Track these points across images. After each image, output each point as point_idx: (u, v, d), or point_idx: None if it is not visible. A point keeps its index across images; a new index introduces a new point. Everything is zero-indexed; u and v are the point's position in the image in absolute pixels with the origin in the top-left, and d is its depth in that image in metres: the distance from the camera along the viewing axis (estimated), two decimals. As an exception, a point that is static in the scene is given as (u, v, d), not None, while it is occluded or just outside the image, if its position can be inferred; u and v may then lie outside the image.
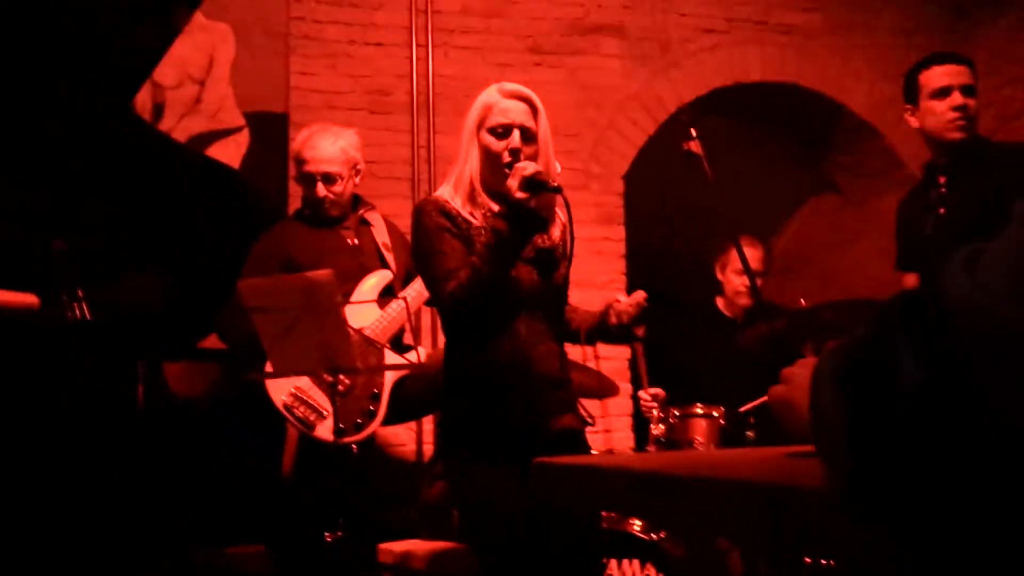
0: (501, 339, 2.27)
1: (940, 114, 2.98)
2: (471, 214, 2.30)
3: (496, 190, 2.31)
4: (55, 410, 2.56)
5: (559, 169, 2.70)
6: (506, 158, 2.27)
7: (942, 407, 0.66)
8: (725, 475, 1.13)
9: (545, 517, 2.22)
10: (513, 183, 2.14)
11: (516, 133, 2.28)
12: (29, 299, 2.37)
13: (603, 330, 2.42)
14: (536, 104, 2.33)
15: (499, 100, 2.32)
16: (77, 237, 2.72)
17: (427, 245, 2.28)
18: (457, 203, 2.31)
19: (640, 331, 2.39)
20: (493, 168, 2.30)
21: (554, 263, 2.39)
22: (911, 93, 3.11)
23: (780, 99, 5.26)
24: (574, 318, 2.50)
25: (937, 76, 3.02)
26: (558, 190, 2.18)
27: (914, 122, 3.11)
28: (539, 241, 2.35)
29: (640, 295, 2.36)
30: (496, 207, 2.29)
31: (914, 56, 5.23)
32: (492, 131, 2.30)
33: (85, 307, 2.60)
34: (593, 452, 2.86)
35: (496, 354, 2.27)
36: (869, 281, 5.21)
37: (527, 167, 2.17)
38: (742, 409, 3.28)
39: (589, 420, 2.63)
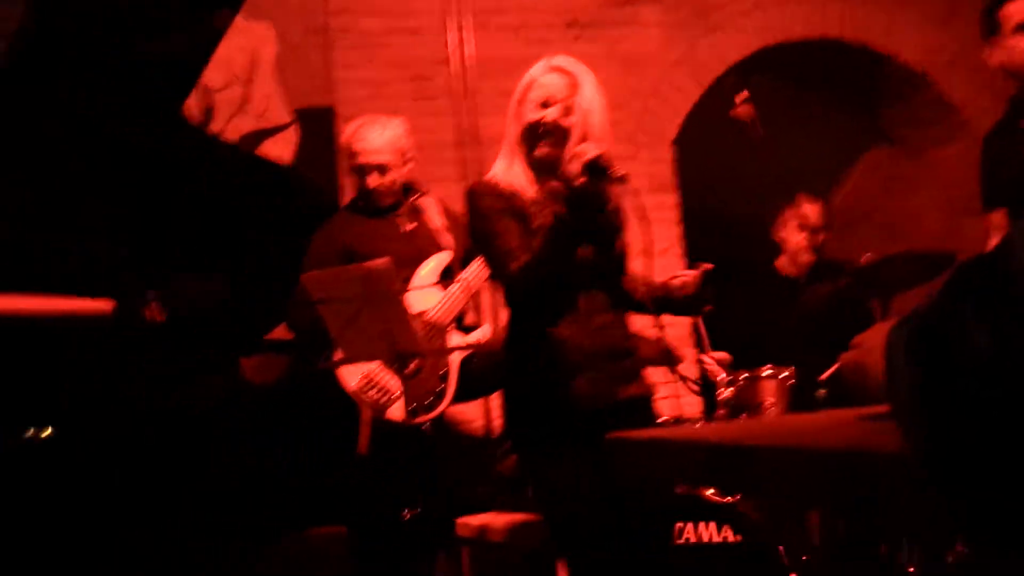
0: (563, 314, 2.28)
1: None
2: (523, 188, 2.31)
3: (536, 163, 2.32)
4: (138, 410, 2.64)
5: None
6: (541, 130, 2.30)
7: (1010, 373, 0.66)
8: (799, 443, 1.12)
9: (617, 490, 2.23)
10: (575, 168, 2.14)
11: (554, 106, 2.29)
12: (103, 305, 2.43)
13: (669, 301, 2.42)
14: (579, 78, 2.32)
15: (541, 75, 2.34)
16: (143, 241, 2.79)
17: (484, 227, 2.31)
18: (509, 180, 2.32)
19: (707, 304, 2.38)
20: (532, 141, 2.31)
21: (611, 234, 2.39)
22: (990, 28, 3.01)
23: (826, 55, 5.16)
24: (637, 288, 2.50)
25: (1020, 10, 2.93)
26: (622, 180, 2.15)
27: (994, 58, 3.01)
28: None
29: (702, 268, 2.35)
30: (534, 177, 2.29)
31: (961, 0, 5.13)
32: (531, 105, 2.32)
33: (157, 309, 2.67)
34: (661, 419, 2.86)
35: (558, 329, 2.28)
36: (929, 232, 5.12)
37: (588, 151, 2.16)
38: (821, 377, 3.23)
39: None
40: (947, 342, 0.71)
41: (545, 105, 2.30)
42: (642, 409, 2.39)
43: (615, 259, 2.40)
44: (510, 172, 2.34)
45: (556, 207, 2.19)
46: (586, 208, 2.18)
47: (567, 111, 2.30)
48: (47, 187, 2.76)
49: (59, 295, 2.40)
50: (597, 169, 2.14)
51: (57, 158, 2.72)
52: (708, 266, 2.34)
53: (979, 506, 0.71)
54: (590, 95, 2.33)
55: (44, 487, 2.43)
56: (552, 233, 2.18)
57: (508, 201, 2.30)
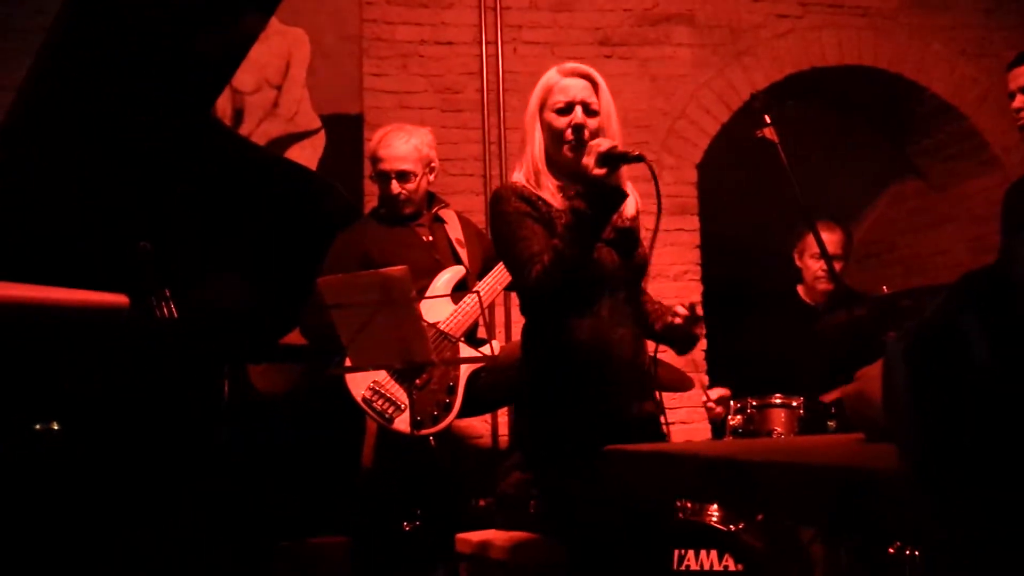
0: (583, 321, 2.26)
1: None
2: (550, 196, 2.30)
3: (562, 169, 2.32)
4: (143, 406, 2.66)
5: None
6: (569, 135, 2.29)
7: (1011, 385, 0.66)
8: (797, 459, 1.12)
9: (618, 504, 2.21)
10: (590, 160, 2.13)
11: (578, 109, 2.29)
12: (119, 299, 2.46)
13: (667, 333, 2.41)
14: (596, 80, 2.34)
15: (559, 80, 2.34)
16: (162, 238, 2.82)
17: (508, 231, 2.28)
18: (535, 185, 2.32)
19: (699, 330, 2.38)
20: (557, 147, 2.31)
21: (633, 242, 2.38)
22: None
23: (857, 83, 5.14)
24: (652, 311, 2.49)
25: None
26: (640, 158, 2.12)
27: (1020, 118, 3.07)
28: (616, 221, 2.33)
29: (686, 307, 2.34)
30: (558, 184, 2.30)
31: (995, 35, 5.10)
32: (555, 110, 2.32)
33: (172, 307, 2.70)
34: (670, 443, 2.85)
35: (576, 337, 2.26)
36: (953, 267, 5.06)
37: (601, 143, 2.15)
38: (826, 399, 3.21)
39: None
40: (947, 353, 0.71)
41: (569, 109, 2.31)
42: (653, 427, 2.38)
43: (636, 267, 2.38)
44: (534, 178, 2.33)
45: (575, 202, 2.17)
46: (605, 199, 2.15)
47: (592, 113, 2.30)
48: (73, 182, 2.80)
49: (76, 287, 2.44)
50: (612, 158, 2.13)
51: (84, 154, 2.76)
52: (698, 309, 2.34)
53: (976, 516, 0.70)
54: (607, 97, 2.35)
55: (48, 482, 2.46)
56: (571, 229, 2.15)
57: (533, 205, 2.29)
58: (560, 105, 2.31)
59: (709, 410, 3.37)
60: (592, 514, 2.21)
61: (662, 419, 2.45)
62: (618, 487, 1.77)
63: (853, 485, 0.90)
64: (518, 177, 2.37)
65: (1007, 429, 0.67)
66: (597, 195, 2.14)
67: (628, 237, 2.37)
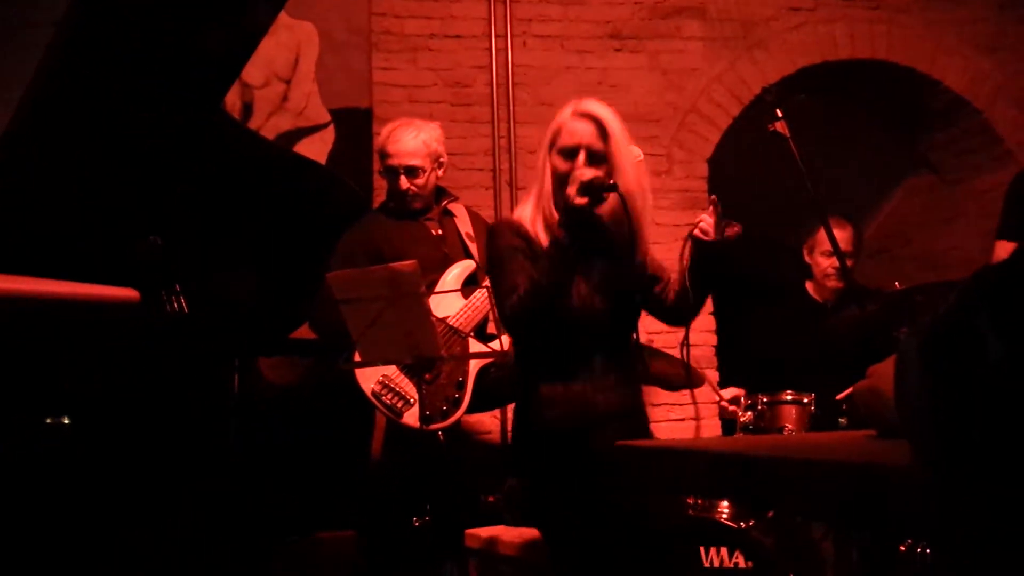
0: (570, 370, 2.28)
1: None
2: (544, 234, 2.30)
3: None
4: (152, 400, 2.66)
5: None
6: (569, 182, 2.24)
7: (1022, 379, 0.65)
8: (808, 455, 1.11)
9: (597, 501, 2.21)
10: (572, 190, 2.15)
11: (582, 154, 2.27)
12: (129, 293, 2.46)
13: (703, 257, 2.33)
14: (607, 124, 2.28)
15: (568, 121, 2.31)
16: (172, 233, 2.82)
17: (498, 264, 2.31)
18: (536, 226, 2.33)
19: (733, 230, 2.32)
20: (559, 188, 2.28)
21: (632, 285, 2.36)
22: None
23: (870, 77, 5.10)
24: (667, 285, 2.44)
25: None
26: (613, 187, 2.15)
27: None
28: (608, 269, 2.33)
29: (712, 202, 2.30)
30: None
31: (1009, 29, 5.05)
32: (561, 152, 2.30)
33: (183, 301, 2.70)
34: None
35: (563, 385, 2.28)
36: (966, 262, 5.02)
37: (584, 172, 2.17)
38: (838, 397, 3.20)
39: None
40: (961, 349, 0.71)
41: (574, 153, 2.28)
42: (635, 425, 2.38)
43: (631, 315, 2.38)
44: (536, 217, 2.33)
45: (556, 232, 2.19)
46: (583, 228, 2.17)
47: (598, 159, 2.26)
48: (84, 176, 2.80)
49: (86, 282, 2.43)
50: (593, 188, 2.14)
51: (94, 148, 2.76)
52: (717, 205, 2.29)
53: (988, 512, 0.70)
54: (619, 140, 2.28)
55: (56, 476, 2.47)
56: (549, 258, 2.18)
57: (527, 242, 2.30)
58: (566, 147, 2.29)
59: (723, 410, 3.36)
60: (569, 511, 2.22)
61: (675, 419, 2.44)
62: (628, 485, 1.76)
63: (865, 481, 0.89)
64: (524, 211, 2.38)
65: (1020, 425, 0.66)
66: (576, 224, 2.15)
67: (627, 281, 2.34)
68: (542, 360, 2.32)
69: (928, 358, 0.77)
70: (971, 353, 0.71)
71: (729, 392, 3.41)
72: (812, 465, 1.01)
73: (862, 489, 0.89)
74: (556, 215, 2.28)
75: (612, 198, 2.21)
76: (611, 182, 2.17)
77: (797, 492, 1.04)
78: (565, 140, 2.30)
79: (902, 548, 2.65)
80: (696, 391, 4.01)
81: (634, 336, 2.43)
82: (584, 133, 2.28)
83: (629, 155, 2.31)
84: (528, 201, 2.39)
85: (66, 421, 2.49)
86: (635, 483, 1.62)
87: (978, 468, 0.71)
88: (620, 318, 2.36)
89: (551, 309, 2.20)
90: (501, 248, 2.31)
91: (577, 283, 2.27)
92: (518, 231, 2.32)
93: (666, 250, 4.58)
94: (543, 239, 2.30)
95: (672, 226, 4.51)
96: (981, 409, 0.70)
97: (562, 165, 2.29)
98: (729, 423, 3.45)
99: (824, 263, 3.72)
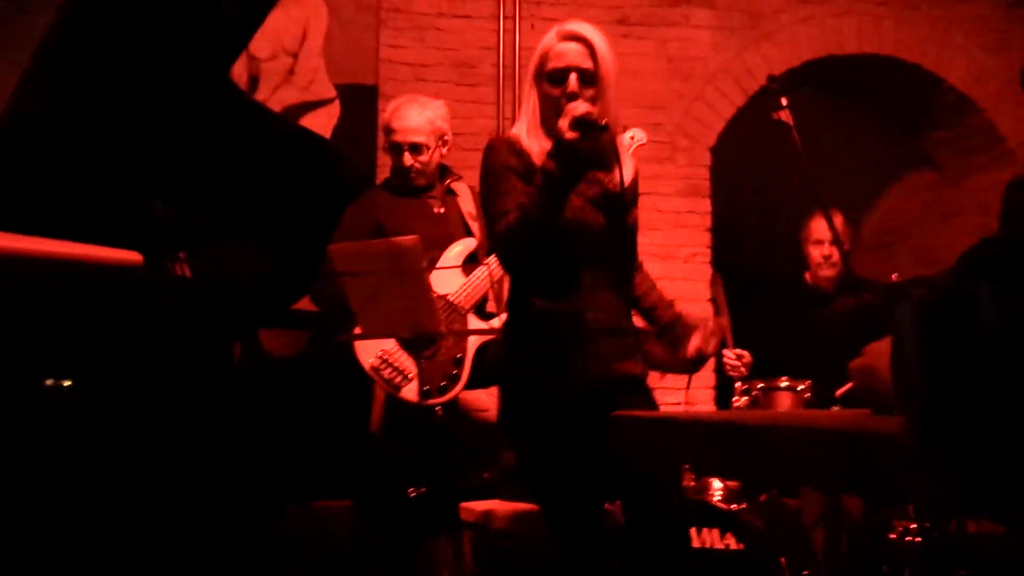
0: (562, 286, 2.24)
1: None
2: (538, 155, 2.23)
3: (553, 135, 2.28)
4: (155, 368, 2.67)
5: (644, 138, 2.66)
6: (563, 103, 2.19)
7: (1020, 348, 0.66)
8: (802, 424, 1.13)
9: (590, 467, 2.20)
10: (564, 123, 2.10)
11: (572, 76, 2.21)
12: (132, 256, 2.47)
13: (672, 344, 2.39)
14: (594, 43, 2.23)
15: (555, 44, 2.25)
16: (176, 201, 2.82)
17: (490, 184, 2.25)
18: (528, 142, 2.27)
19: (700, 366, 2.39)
20: (551, 115, 2.23)
21: (622, 208, 2.32)
22: None
23: (876, 72, 5.11)
24: (651, 300, 2.47)
25: None
26: (604, 128, 2.10)
27: None
28: (607, 184, 2.30)
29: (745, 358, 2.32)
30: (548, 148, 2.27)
31: (1016, 29, 5.06)
32: (549, 77, 2.25)
33: (186, 268, 2.70)
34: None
35: (555, 302, 2.24)
36: (965, 259, 5.04)
37: (578, 107, 2.11)
38: (837, 394, 3.21)
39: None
40: (957, 316, 0.72)
41: (563, 76, 2.23)
42: (639, 388, 2.35)
43: (625, 234, 2.34)
44: (529, 138, 2.29)
45: (546, 163, 2.13)
46: (574, 162, 2.12)
47: (588, 80, 2.22)
48: (89, 140, 2.80)
49: (90, 243, 2.44)
50: (585, 124, 2.09)
51: (99, 113, 2.76)
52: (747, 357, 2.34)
53: (981, 478, 0.71)
54: (608, 61, 2.24)
55: (58, 439, 2.48)
56: (539, 189, 2.12)
57: (523, 160, 2.24)
58: (555, 71, 2.23)
59: (730, 368, 3.34)
60: (575, 483, 2.21)
61: (648, 379, 2.42)
62: (623, 454, 1.77)
63: (859, 447, 0.91)
64: (517, 130, 2.34)
65: (1015, 392, 0.67)
66: (566, 157, 2.10)
67: (617, 201, 2.31)
68: (532, 275, 2.27)
69: (924, 324, 0.78)
70: (968, 320, 0.72)
71: (739, 351, 3.38)
72: (807, 431, 1.03)
73: (856, 455, 0.91)
74: (547, 143, 2.23)
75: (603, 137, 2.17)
76: (603, 123, 2.11)
77: (794, 460, 1.06)
78: (554, 63, 2.24)
79: (892, 536, 2.68)
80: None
81: (637, 260, 2.43)
82: (573, 54, 2.23)
83: (613, 76, 2.26)
84: (520, 125, 2.34)
85: (67, 384, 2.50)
86: (629, 452, 1.63)
87: (971, 434, 0.72)
88: (612, 233, 2.30)
89: (541, 238, 2.16)
90: (495, 166, 2.25)
91: (568, 199, 2.21)
92: (514, 147, 2.27)
93: (664, 236, 4.61)
94: (537, 159, 2.24)
95: (673, 213, 4.53)
96: (976, 376, 0.71)
97: (552, 91, 2.25)
98: (724, 403, 3.46)
99: (815, 253, 3.73)
